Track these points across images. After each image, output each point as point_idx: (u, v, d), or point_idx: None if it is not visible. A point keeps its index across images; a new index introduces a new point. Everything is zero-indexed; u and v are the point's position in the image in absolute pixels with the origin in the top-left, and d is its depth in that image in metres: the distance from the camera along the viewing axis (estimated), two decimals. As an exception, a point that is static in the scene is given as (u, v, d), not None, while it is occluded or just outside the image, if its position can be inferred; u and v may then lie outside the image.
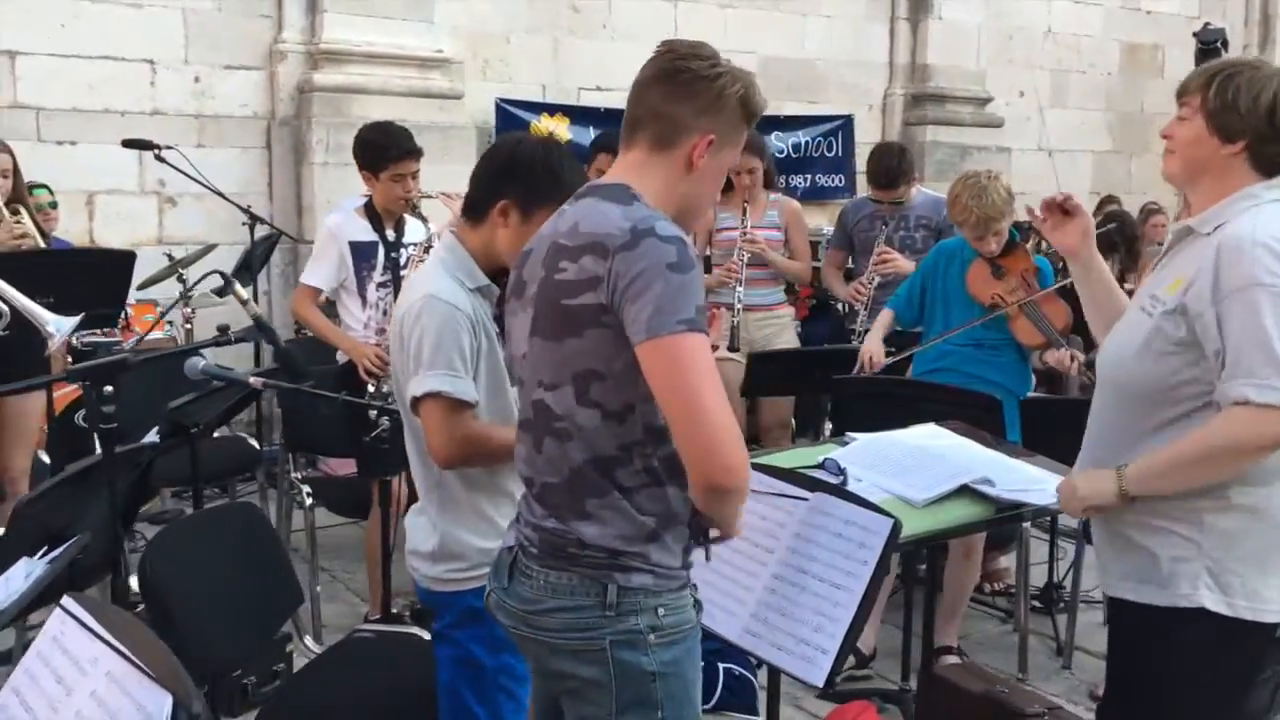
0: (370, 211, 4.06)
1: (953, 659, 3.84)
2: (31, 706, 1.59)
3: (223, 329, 2.44)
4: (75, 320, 2.78)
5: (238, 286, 2.50)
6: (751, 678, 3.55)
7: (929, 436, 3.02)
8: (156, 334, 5.62)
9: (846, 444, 2.95)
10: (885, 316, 4.08)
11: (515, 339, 2.08)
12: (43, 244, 4.07)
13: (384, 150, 3.98)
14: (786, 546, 2.39)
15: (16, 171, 4.25)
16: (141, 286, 5.86)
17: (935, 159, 9.23)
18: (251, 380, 2.79)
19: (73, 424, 3.25)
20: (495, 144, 2.69)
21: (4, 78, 6.19)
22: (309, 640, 3.11)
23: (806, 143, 8.92)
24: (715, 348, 2.58)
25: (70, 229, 6.29)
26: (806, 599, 2.30)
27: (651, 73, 2.00)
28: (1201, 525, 2.19)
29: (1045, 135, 9.79)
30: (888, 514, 2.28)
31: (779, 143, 8.83)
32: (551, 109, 7.82)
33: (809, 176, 8.98)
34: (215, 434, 5.50)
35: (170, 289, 5.97)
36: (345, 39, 6.93)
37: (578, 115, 7.93)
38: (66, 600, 1.72)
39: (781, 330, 5.09)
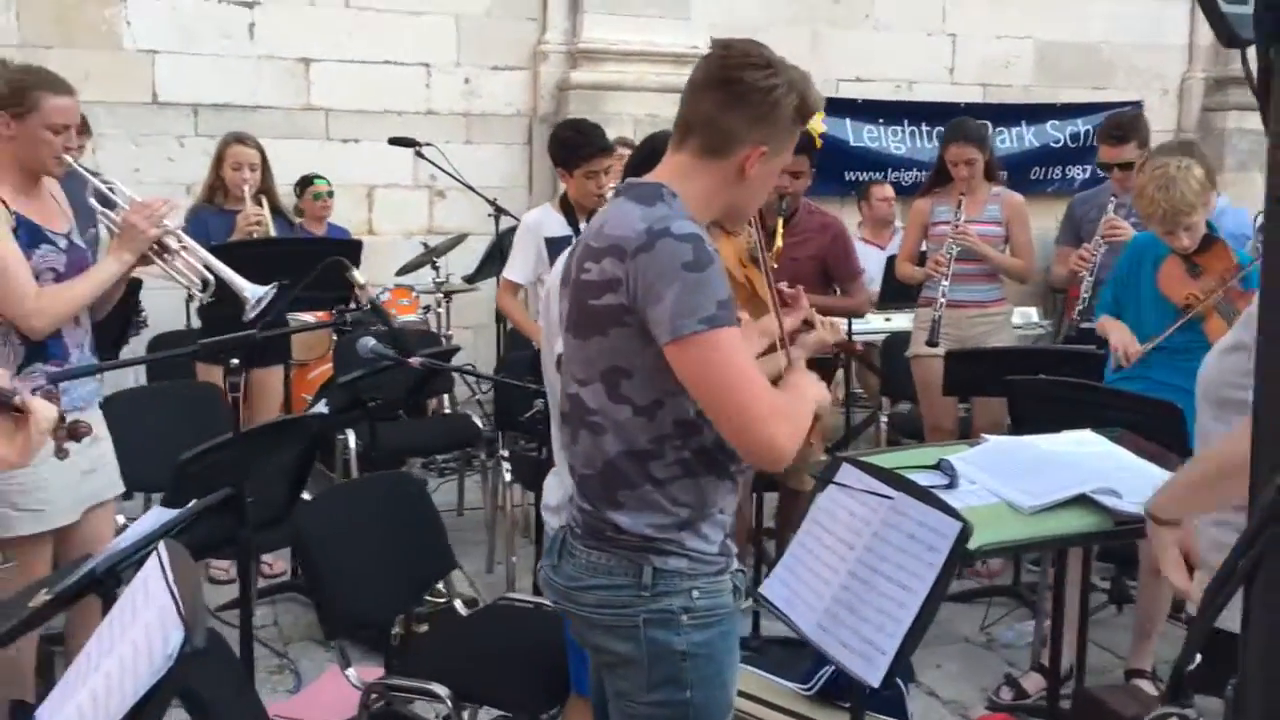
0: (565, 206, 4.25)
1: (1144, 683, 3.59)
2: (105, 633, 1.84)
3: (340, 311, 2.67)
4: (270, 289, 3.12)
5: (355, 273, 2.74)
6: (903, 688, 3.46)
7: (1074, 443, 2.86)
8: (410, 316, 6.10)
9: (977, 445, 2.85)
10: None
11: (555, 329, 2.17)
12: (273, 233, 4.54)
13: (578, 148, 4.15)
14: (865, 545, 2.35)
15: (265, 165, 4.75)
16: (400, 273, 6.40)
17: (1240, 148, 8.47)
18: (412, 360, 3.04)
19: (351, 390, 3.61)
20: None
21: (299, 82, 6.90)
22: (458, 604, 3.34)
23: (1087, 132, 8.40)
24: (809, 325, 2.56)
25: (351, 219, 6.94)
26: (874, 598, 2.26)
27: (705, 77, 2.02)
28: None
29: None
30: (958, 517, 2.21)
31: (1055, 133, 8.40)
32: (807, 101, 7.79)
33: (1088, 168, 8.46)
34: (443, 410, 5.95)
35: (425, 276, 6.48)
36: (602, 38, 7.23)
37: (834, 107, 7.84)
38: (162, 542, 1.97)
39: (997, 329, 4.88)
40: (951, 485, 2.60)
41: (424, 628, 3.55)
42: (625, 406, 1.98)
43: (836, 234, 4.53)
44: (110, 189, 3.27)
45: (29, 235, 2.88)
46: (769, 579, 2.58)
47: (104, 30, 6.51)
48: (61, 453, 2.50)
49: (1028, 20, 8.33)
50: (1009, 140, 8.30)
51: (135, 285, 3.99)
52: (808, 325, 3.03)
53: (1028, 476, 2.60)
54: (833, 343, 3.23)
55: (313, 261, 4.34)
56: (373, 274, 6.73)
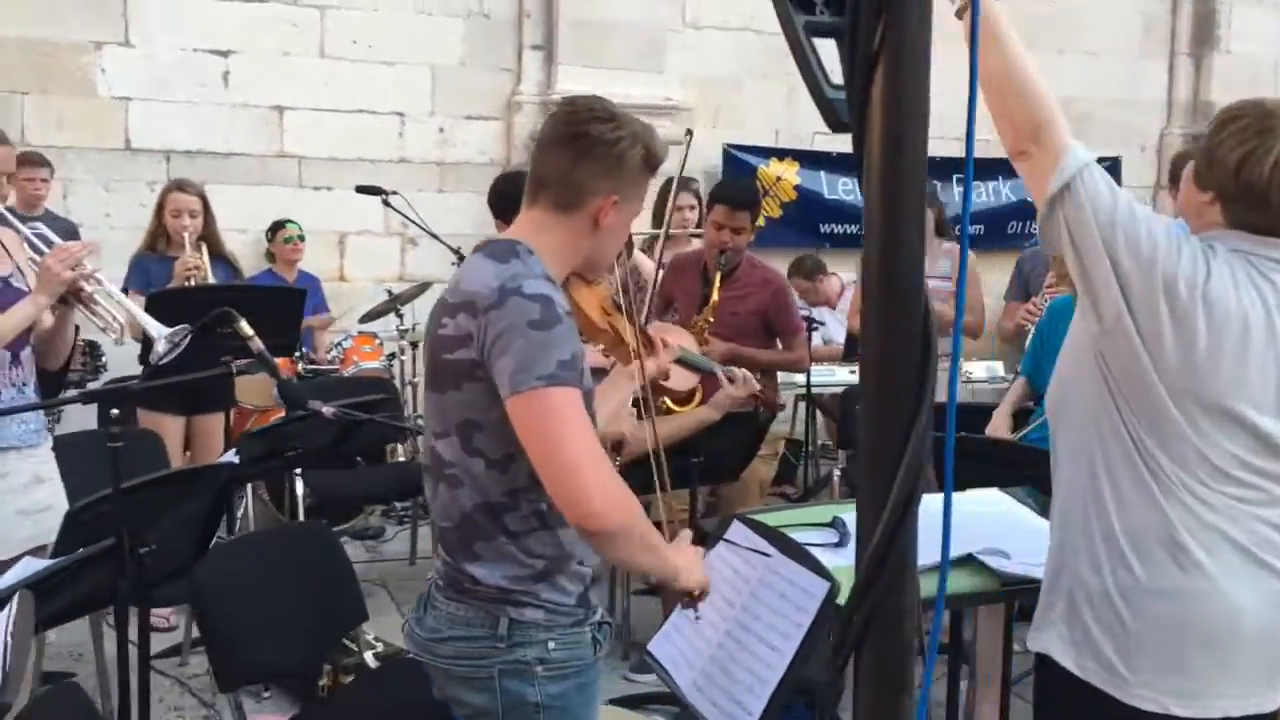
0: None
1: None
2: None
3: (226, 360, 2.67)
4: (178, 330, 3.14)
5: (242, 323, 2.75)
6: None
7: (976, 502, 2.84)
8: (373, 363, 6.12)
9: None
10: (1017, 387, 3.83)
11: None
12: (211, 279, 4.58)
13: (516, 200, 4.17)
14: (742, 604, 2.33)
15: (207, 211, 4.79)
16: (363, 320, 6.42)
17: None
18: (325, 410, 3.05)
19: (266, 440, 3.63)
20: None
21: (273, 129, 6.98)
22: (368, 657, 3.32)
23: (1063, 187, 8.42)
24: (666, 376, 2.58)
25: (323, 266, 7.00)
26: (745, 658, 2.24)
27: (552, 134, 2.06)
28: None
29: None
30: (828, 577, 2.19)
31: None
32: (781, 154, 7.86)
33: (1065, 222, 8.49)
34: (398, 458, 5.94)
35: (392, 323, 6.51)
36: (576, 89, 7.27)
37: (809, 159, 7.92)
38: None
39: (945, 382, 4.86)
40: (841, 544, 2.58)
41: (350, 679, 3.53)
42: (479, 459, 1.99)
43: (777, 289, 4.56)
44: (38, 235, 3.31)
45: None
46: (657, 636, 2.56)
47: (79, 77, 6.60)
48: None
49: (1004, 76, 8.38)
50: (985, 195, 8.32)
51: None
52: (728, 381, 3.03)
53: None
54: (744, 397, 3.24)
55: (253, 307, 4.38)
56: (342, 321, 6.79)
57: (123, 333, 3.15)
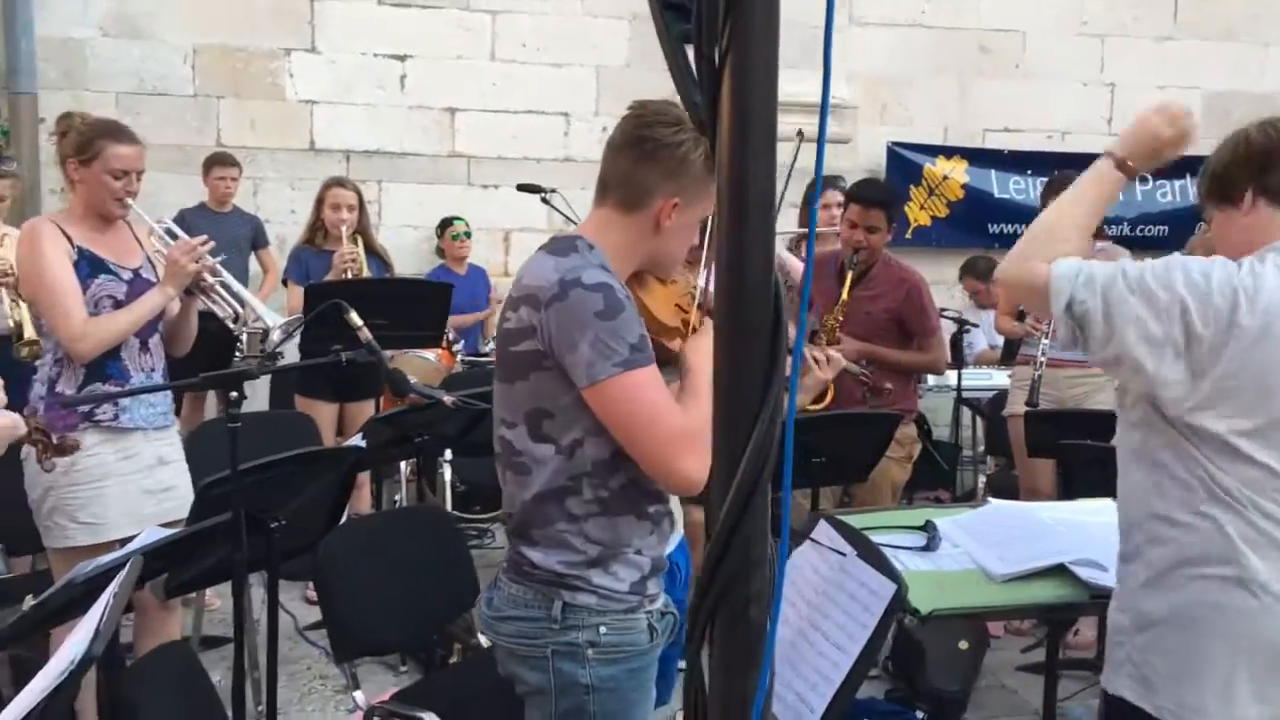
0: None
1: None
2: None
3: (335, 350, 2.81)
4: (290, 320, 3.32)
5: (353, 314, 2.88)
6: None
7: (1085, 512, 2.74)
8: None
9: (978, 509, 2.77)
10: None
11: None
12: (367, 273, 4.82)
13: None
14: (814, 602, 2.34)
15: (362, 207, 5.04)
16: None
17: None
18: (446, 400, 3.19)
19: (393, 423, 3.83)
20: None
21: (444, 130, 7.27)
22: (482, 639, 3.44)
23: (1260, 186, 7.92)
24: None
25: (489, 260, 7.25)
26: (813, 656, 2.24)
27: (620, 136, 2.11)
28: None
29: None
30: (894, 579, 2.17)
31: (1225, 186, 7.95)
32: (949, 151, 7.67)
33: (1261, 224, 7.98)
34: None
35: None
36: (739, 88, 7.32)
37: (978, 157, 7.71)
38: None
39: (1098, 390, 4.67)
40: (929, 547, 2.54)
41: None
42: (547, 446, 2.06)
43: (912, 288, 4.46)
44: (167, 230, 3.58)
45: (89, 266, 3.18)
46: (740, 631, 2.58)
47: (269, 82, 7.03)
48: (48, 465, 2.76)
49: (1195, 69, 7.96)
50: (1171, 195, 7.92)
51: None
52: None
53: (1011, 544, 2.51)
54: (830, 378, 3.19)
55: (401, 301, 4.60)
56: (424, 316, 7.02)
57: (237, 319, 3.36)
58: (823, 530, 2.51)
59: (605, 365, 1.93)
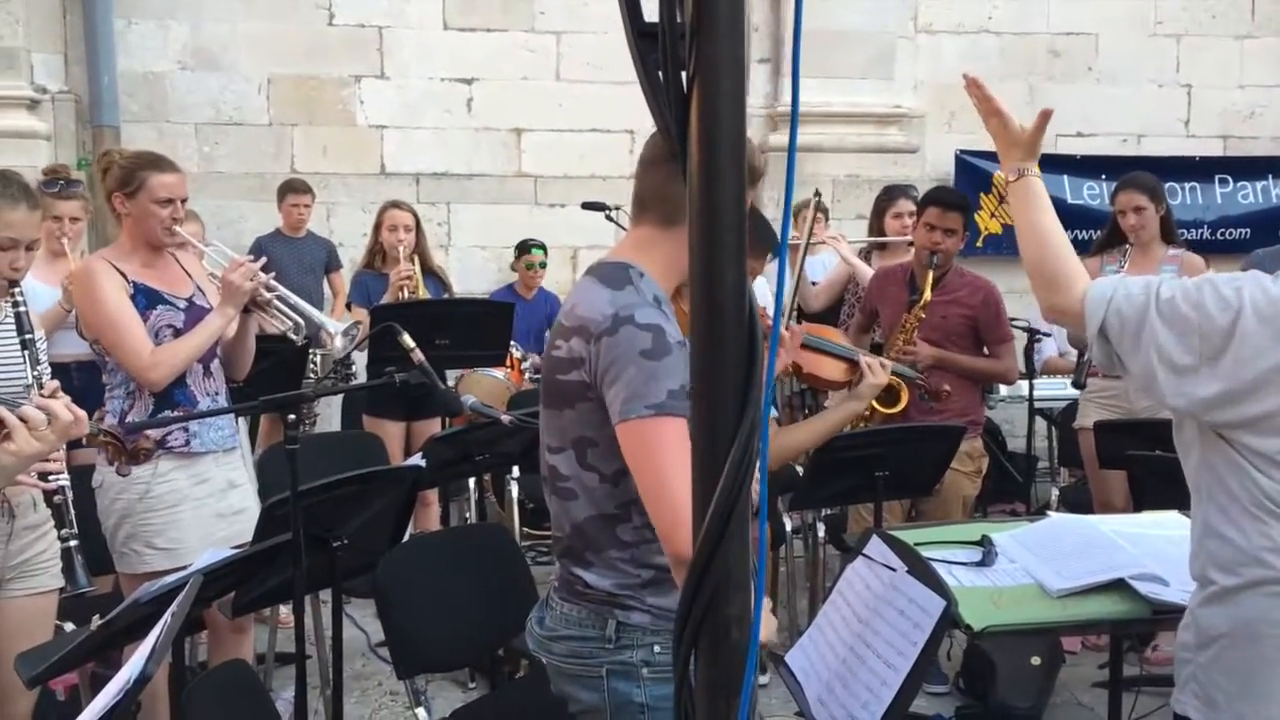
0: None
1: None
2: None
3: (389, 372, 2.85)
4: (349, 325, 3.39)
5: (405, 336, 2.92)
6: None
7: (1148, 524, 2.68)
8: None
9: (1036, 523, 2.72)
10: None
11: None
12: (424, 293, 4.89)
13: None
14: (865, 619, 2.31)
15: (419, 228, 5.13)
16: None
17: None
18: (504, 419, 3.23)
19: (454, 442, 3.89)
20: None
21: (511, 151, 7.36)
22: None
23: (1342, 189, 7.67)
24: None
25: (558, 279, 7.30)
26: (864, 672, 2.22)
27: (651, 152, 2.12)
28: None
29: None
30: (944, 595, 2.14)
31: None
32: (1020, 158, 7.53)
33: (1349, 224, 7.72)
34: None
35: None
36: (805, 100, 7.28)
37: (1050, 163, 7.50)
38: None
39: (1165, 401, 4.55)
40: (984, 563, 2.50)
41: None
42: (593, 474, 2.07)
43: (988, 295, 4.42)
44: (219, 252, 3.68)
45: (146, 299, 3.27)
46: (795, 647, 2.57)
47: (340, 109, 7.19)
48: (124, 470, 2.84)
49: (1275, 68, 7.74)
50: (1252, 196, 7.70)
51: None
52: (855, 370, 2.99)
53: (1069, 559, 2.46)
54: (884, 381, 3.16)
55: (464, 321, 4.66)
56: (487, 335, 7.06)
57: (298, 331, 3.42)
58: (875, 545, 2.49)
59: (638, 405, 1.92)
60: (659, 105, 0.79)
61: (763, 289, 5.23)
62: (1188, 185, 7.57)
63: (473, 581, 3.22)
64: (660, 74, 0.79)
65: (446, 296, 5.24)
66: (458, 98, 7.28)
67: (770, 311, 4.27)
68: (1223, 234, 7.60)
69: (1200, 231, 7.44)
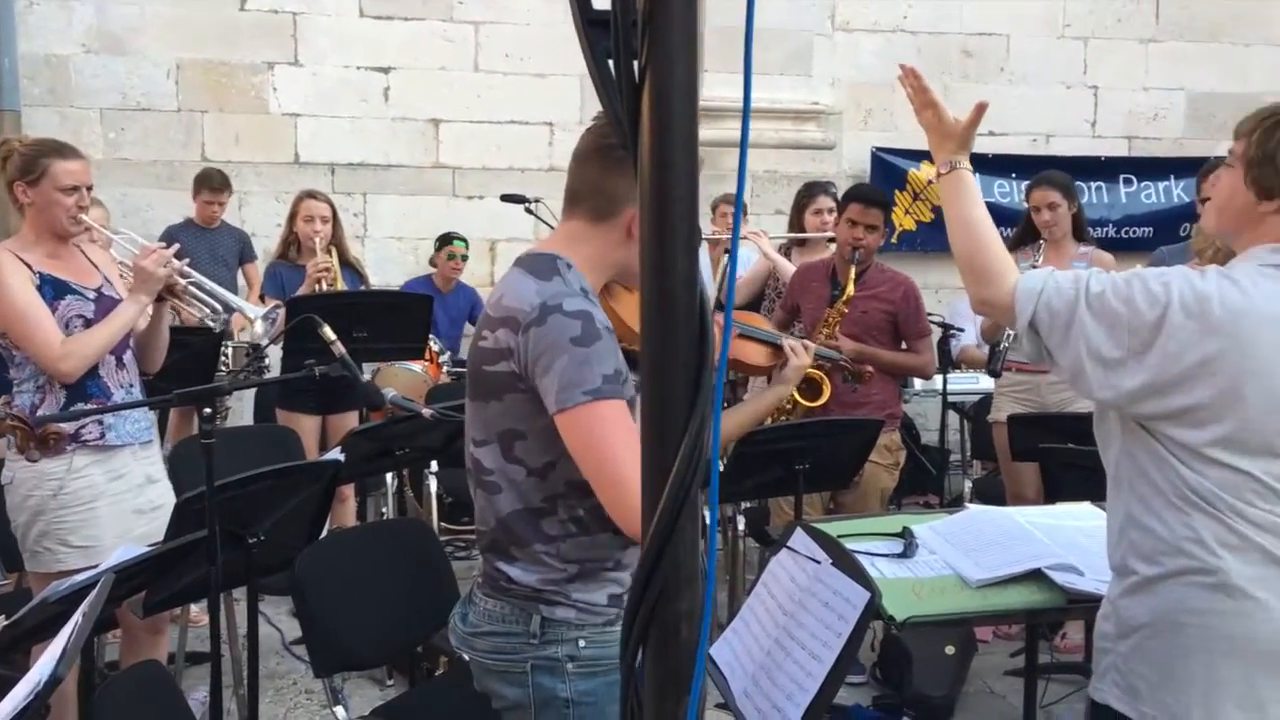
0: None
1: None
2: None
3: (309, 365, 2.81)
4: (270, 308, 3.31)
5: (326, 329, 2.87)
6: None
7: (1062, 516, 2.74)
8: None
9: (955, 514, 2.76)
10: None
11: None
12: (341, 285, 4.82)
13: None
14: (790, 611, 2.33)
15: (336, 218, 5.05)
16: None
17: None
18: (425, 412, 3.18)
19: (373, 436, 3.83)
20: None
21: (429, 142, 7.27)
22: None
23: (1245, 186, 7.93)
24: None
25: (475, 272, 7.23)
26: (789, 665, 2.23)
27: (586, 146, 2.10)
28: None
29: None
30: (868, 587, 2.16)
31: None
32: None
33: (1247, 224, 7.99)
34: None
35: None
36: (723, 96, 7.29)
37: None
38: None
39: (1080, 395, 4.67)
40: (905, 554, 2.54)
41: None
42: (519, 467, 2.05)
43: (907, 291, 4.49)
44: (129, 239, 3.57)
45: (53, 289, 3.16)
46: (719, 640, 2.57)
47: (252, 96, 7.03)
48: (33, 456, 2.75)
49: (1178, 71, 7.98)
50: (1155, 196, 7.93)
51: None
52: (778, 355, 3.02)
53: (988, 550, 2.51)
54: (808, 363, 3.20)
55: (389, 313, 4.60)
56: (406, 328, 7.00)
57: (220, 319, 3.34)
58: (798, 538, 2.51)
59: (575, 392, 1.91)
60: (610, 95, 0.78)
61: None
62: (1094, 185, 7.77)
63: (392, 578, 3.18)
64: (611, 63, 0.77)
65: (363, 288, 5.16)
66: (374, 87, 7.18)
67: None
68: (1127, 232, 7.82)
69: (1106, 230, 7.64)
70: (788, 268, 5.24)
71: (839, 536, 2.51)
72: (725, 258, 5.74)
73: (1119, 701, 1.97)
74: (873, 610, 2.15)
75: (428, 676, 3.75)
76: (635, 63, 0.77)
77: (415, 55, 7.17)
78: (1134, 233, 7.83)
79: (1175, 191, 7.89)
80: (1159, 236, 7.55)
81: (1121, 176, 7.87)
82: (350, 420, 4.82)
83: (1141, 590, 1.95)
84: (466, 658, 2.19)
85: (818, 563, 2.34)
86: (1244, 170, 1.94)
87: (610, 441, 1.91)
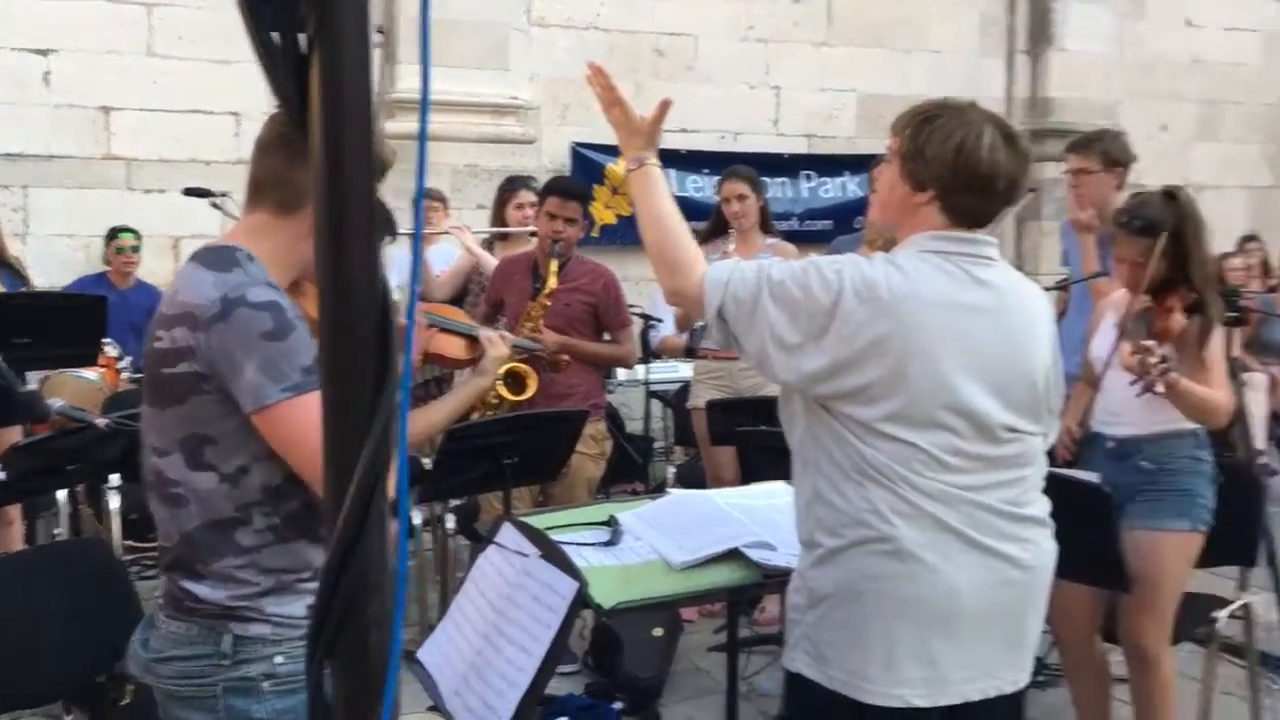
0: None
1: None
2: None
3: (-41, 370, 2.56)
4: None
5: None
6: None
7: (759, 496, 2.85)
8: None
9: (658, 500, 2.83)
10: None
11: None
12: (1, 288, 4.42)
13: None
14: (499, 607, 2.31)
15: None
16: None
17: (1057, 197, 8.74)
18: (99, 422, 2.93)
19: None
20: None
21: (99, 131, 6.73)
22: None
23: (911, 182, 8.59)
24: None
25: (157, 271, 6.76)
26: (499, 661, 2.21)
27: (269, 135, 2.00)
28: None
29: (1190, 171, 9.16)
30: (575, 576, 2.17)
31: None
32: (630, 152, 7.85)
33: (913, 217, 8.67)
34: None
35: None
36: (417, 88, 7.18)
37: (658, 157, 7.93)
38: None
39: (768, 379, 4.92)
40: (612, 542, 2.57)
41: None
42: (209, 474, 1.92)
43: (607, 282, 4.57)
44: None
45: None
46: (427, 642, 2.52)
47: (-114, 78, 6.28)
48: None
49: (850, 74, 8.53)
50: (833, 191, 8.45)
51: None
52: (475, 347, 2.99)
53: (690, 532, 2.58)
54: (506, 353, 3.20)
55: (56, 316, 4.22)
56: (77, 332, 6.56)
57: None
58: (506, 533, 2.49)
59: (274, 389, 1.81)
60: (275, 70, 0.72)
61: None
62: (778, 180, 8.18)
63: (66, 604, 2.91)
64: (275, 36, 0.72)
65: (25, 289, 4.70)
66: (33, 70, 6.57)
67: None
68: (809, 225, 8.29)
69: (790, 223, 8.06)
70: (490, 262, 5.21)
71: (547, 529, 2.52)
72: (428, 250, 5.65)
73: (809, 669, 2.08)
74: (581, 600, 2.17)
75: (112, 707, 3.46)
76: (301, 36, 0.71)
77: (79, 37, 6.62)
78: (815, 225, 8.30)
79: (850, 186, 8.44)
80: (838, 228, 8.04)
81: (803, 172, 8.34)
82: (13, 435, 4.38)
83: (827, 561, 2.06)
84: (150, 686, 2.04)
85: (525, 556, 2.33)
86: (899, 164, 2.09)
87: (313, 434, 1.82)
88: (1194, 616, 3.44)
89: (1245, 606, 3.58)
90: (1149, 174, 8.76)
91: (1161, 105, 9.50)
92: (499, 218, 5.69)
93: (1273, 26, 9.85)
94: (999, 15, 8.99)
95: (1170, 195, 3.24)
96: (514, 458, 3.84)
